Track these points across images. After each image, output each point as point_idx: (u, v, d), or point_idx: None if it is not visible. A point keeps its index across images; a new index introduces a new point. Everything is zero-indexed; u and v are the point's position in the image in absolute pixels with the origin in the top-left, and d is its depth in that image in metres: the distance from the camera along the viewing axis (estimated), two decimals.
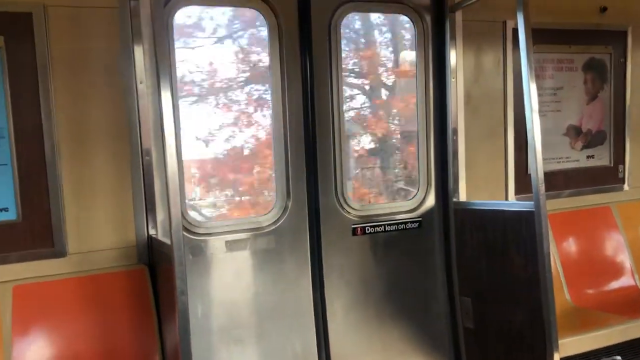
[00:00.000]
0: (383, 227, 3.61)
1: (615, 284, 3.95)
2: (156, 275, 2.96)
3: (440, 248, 3.78)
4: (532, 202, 3.01)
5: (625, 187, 4.30)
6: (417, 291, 3.74)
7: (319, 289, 3.47)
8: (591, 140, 4.20)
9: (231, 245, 3.25)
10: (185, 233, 3.09)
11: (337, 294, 3.52)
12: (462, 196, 3.72)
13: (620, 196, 4.27)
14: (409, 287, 3.71)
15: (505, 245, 3.30)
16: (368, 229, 3.58)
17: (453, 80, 3.64)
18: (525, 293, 3.18)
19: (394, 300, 3.67)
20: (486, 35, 3.76)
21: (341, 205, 3.51)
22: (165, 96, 2.31)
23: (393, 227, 3.64)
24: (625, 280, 3.98)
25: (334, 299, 3.51)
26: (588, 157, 4.19)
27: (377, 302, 3.63)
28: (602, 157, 4.24)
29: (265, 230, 3.34)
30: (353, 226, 3.54)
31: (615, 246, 4.05)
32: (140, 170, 2.98)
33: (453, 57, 3.63)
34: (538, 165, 2.96)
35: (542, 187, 2.96)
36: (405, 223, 3.68)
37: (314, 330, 3.47)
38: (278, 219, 3.37)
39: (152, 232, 3.03)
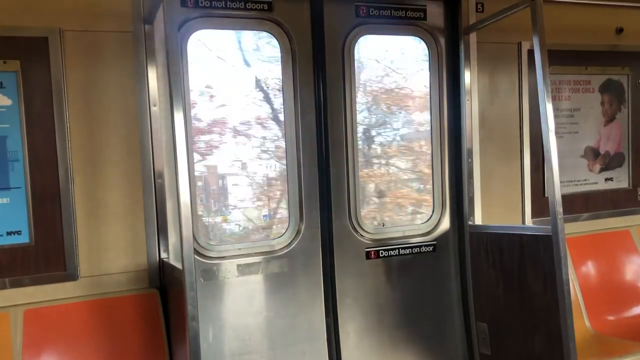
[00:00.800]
0: (397, 250, 3.56)
1: (636, 310, 3.84)
2: (167, 299, 2.94)
3: (455, 272, 3.71)
4: (550, 226, 2.95)
5: None
6: (431, 316, 3.67)
7: (332, 313, 3.42)
8: (609, 162, 4.12)
9: (243, 269, 3.22)
10: (196, 257, 3.07)
11: (351, 318, 3.47)
12: (478, 219, 3.66)
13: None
14: (424, 312, 3.64)
15: (522, 269, 3.23)
16: (382, 253, 3.53)
17: (468, 101, 3.61)
18: (543, 319, 3.10)
19: (408, 325, 3.60)
20: (501, 56, 3.74)
21: (355, 229, 3.47)
22: (178, 119, 2.31)
23: (407, 251, 3.59)
24: None
25: (347, 323, 3.45)
26: (606, 179, 4.11)
27: (391, 327, 3.57)
28: (620, 180, 4.16)
29: (278, 254, 3.30)
30: (367, 250, 3.50)
31: (636, 270, 3.95)
32: (153, 193, 2.97)
33: (467, 78, 3.60)
34: (556, 187, 2.91)
35: (560, 210, 2.90)
36: (420, 247, 3.62)
37: (327, 355, 3.41)
38: (291, 242, 3.33)
39: (163, 255, 3.01)
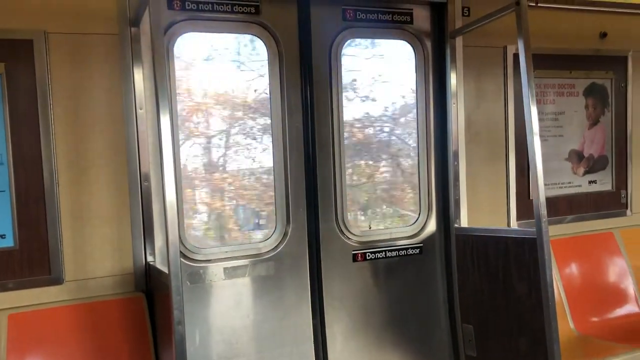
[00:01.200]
0: (384, 252, 3.58)
1: (619, 312, 3.89)
2: (153, 303, 2.93)
3: (441, 274, 3.74)
4: (534, 229, 2.98)
5: (628, 212, 4.27)
6: (418, 318, 3.69)
7: (318, 315, 3.43)
8: (593, 165, 4.17)
9: (230, 272, 3.22)
10: (183, 259, 3.06)
11: (337, 320, 3.48)
12: (464, 221, 3.69)
13: (623, 222, 4.23)
14: (410, 314, 3.66)
15: (507, 271, 3.26)
16: (369, 255, 3.54)
17: (454, 105, 3.63)
18: (528, 321, 3.13)
19: (395, 327, 3.62)
20: (487, 60, 3.77)
21: (341, 231, 3.48)
22: (164, 122, 2.31)
23: (394, 253, 3.61)
24: (629, 308, 3.92)
25: (334, 325, 3.46)
26: (590, 182, 4.16)
27: (377, 329, 3.58)
28: (604, 183, 4.21)
29: (265, 257, 3.30)
30: (353, 252, 3.51)
31: (619, 272, 4.00)
32: (139, 196, 2.96)
33: (454, 82, 3.63)
34: (540, 190, 2.94)
35: (544, 213, 2.93)
36: (407, 249, 3.64)
37: (314, 357, 3.42)
38: (278, 244, 3.34)
39: (150, 258, 3.00)
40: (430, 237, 3.71)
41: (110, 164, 2.91)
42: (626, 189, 4.27)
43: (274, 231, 3.36)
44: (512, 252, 3.22)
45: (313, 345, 3.41)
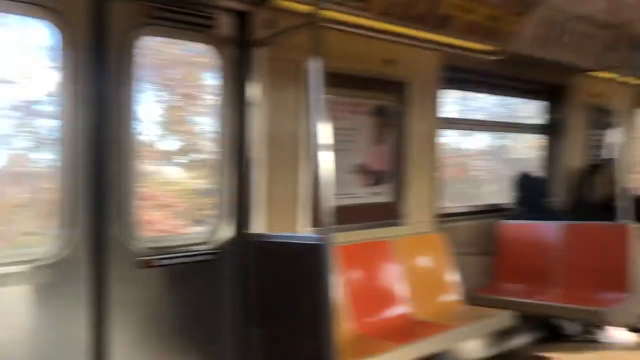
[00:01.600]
0: (175, 259, 3.49)
1: (393, 312, 4.29)
2: None
3: (235, 280, 3.76)
4: (320, 235, 3.16)
5: (404, 223, 4.75)
6: (210, 324, 3.66)
7: (98, 327, 3.20)
8: (377, 179, 4.57)
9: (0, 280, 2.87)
10: None
11: (123, 332, 3.29)
12: (260, 228, 3.76)
13: (401, 231, 4.69)
14: (202, 320, 3.62)
15: (296, 276, 3.40)
16: (158, 262, 3.43)
17: (253, 113, 3.70)
18: (312, 324, 3.29)
19: (186, 334, 3.55)
20: (287, 72, 3.91)
21: (127, 237, 3.31)
22: None
23: (187, 259, 3.54)
24: (401, 309, 4.35)
25: (118, 337, 3.27)
26: (373, 194, 4.55)
27: (167, 337, 3.47)
28: (385, 195, 4.64)
29: (43, 263, 3.00)
30: (140, 258, 3.36)
31: (394, 278, 4.42)
32: None
33: (254, 91, 3.70)
34: (328, 200, 3.13)
35: (330, 221, 3.14)
36: (200, 254, 3.60)
37: None
38: (59, 250, 3.06)
39: None
40: (225, 243, 3.72)
41: None
42: (404, 202, 4.75)
43: (54, 235, 3.08)
44: (300, 257, 3.36)
45: (93, 357, 3.18)
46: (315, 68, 3.11)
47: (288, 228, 3.95)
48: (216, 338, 3.68)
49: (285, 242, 3.50)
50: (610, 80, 5.54)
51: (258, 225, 3.77)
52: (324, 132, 3.10)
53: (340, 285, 3.86)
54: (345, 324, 3.88)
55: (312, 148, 3.97)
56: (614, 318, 4.70)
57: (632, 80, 6.01)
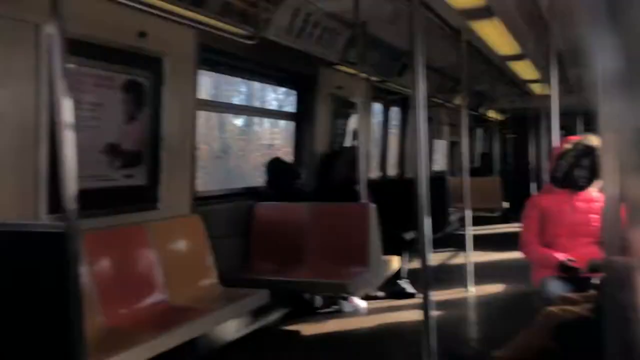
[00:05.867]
0: None
1: (148, 301, 4.06)
2: None
3: None
4: (64, 223, 2.81)
5: (159, 206, 4.52)
6: None
7: None
8: (130, 160, 4.26)
9: None
10: None
11: None
12: None
13: (154, 215, 4.45)
14: None
15: (35, 268, 2.97)
16: None
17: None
18: (54, 318, 2.92)
19: None
20: (18, 35, 3.37)
21: None
22: None
23: None
24: (157, 297, 4.14)
25: None
26: (126, 176, 4.23)
27: None
28: (139, 177, 4.35)
29: None
30: None
31: (149, 264, 4.18)
32: None
33: None
34: (71, 182, 2.79)
35: (74, 207, 2.80)
36: None
37: None
38: None
39: None
40: None
41: None
42: (158, 184, 4.51)
43: None
44: (40, 247, 2.95)
45: None
46: (55, 32, 2.71)
47: (25, 215, 3.44)
48: None
49: (19, 231, 3.02)
50: (352, 74, 6.06)
51: None
52: (66, 107, 2.73)
53: (86, 276, 3.49)
54: (94, 317, 3.53)
55: (54, 124, 3.53)
56: (355, 289, 5.18)
57: (369, 76, 6.69)
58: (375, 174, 9.14)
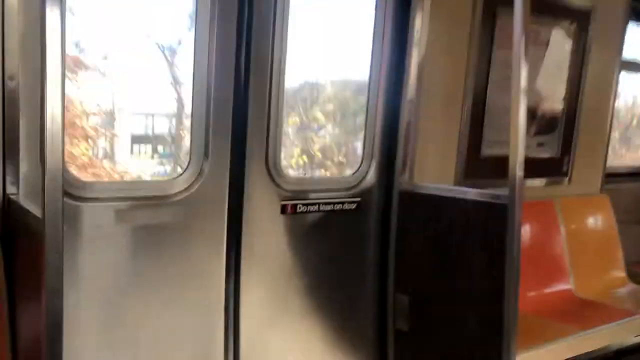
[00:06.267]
0: (317, 206, 2.95)
1: (554, 287, 3.62)
2: (14, 250, 2.07)
3: (377, 235, 3.20)
4: (505, 192, 2.53)
5: (569, 181, 3.97)
6: (345, 284, 3.14)
7: (233, 276, 2.75)
8: (544, 126, 3.79)
9: (123, 216, 2.41)
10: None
11: (255, 283, 2.82)
12: (412, 176, 3.15)
13: (563, 190, 3.93)
14: (337, 279, 3.10)
15: (461, 239, 2.80)
16: (300, 207, 2.89)
17: (414, 46, 3.04)
18: (481, 297, 2.71)
19: (320, 293, 3.04)
20: (454, 2, 3.19)
21: (272, 175, 2.78)
22: None
23: (328, 207, 2.99)
24: (562, 284, 3.67)
25: (250, 289, 2.79)
26: (538, 144, 3.79)
27: (300, 294, 2.98)
28: (551, 146, 3.86)
29: (172, 200, 2.53)
30: (283, 203, 2.84)
31: (557, 244, 3.72)
32: None
33: (418, 22, 3.02)
34: (519, 149, 2.48)
35: (521, 175, 2.49)
36: (343, 203, 3.04)
37: (222, 325, 2.75)
38: (190, 185, 2.57)
39: (11, 190, 2.12)
40: (369, 191, 3.13)
41: None
42: (569, 155, 3.95)
43: (186, 167, 2.58)
44: (471, 217, 2.76)
45: (223, 312, 2.74)
46: None
47: (439, 177, 3.31)
48: (355, 301, 3.17)
49: (450, 197, 2.87)
50: None
51: (408, 173, 3.15)
52: (522, 72, 2.43)
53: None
54: None
55: (477, 88, 3.30)
56: None
57: None
58: None
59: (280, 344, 2.94)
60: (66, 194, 2.17)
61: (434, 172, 3.27)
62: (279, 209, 2.83)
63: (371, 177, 3.12)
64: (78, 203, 2.27)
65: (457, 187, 3.06)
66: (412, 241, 3.06)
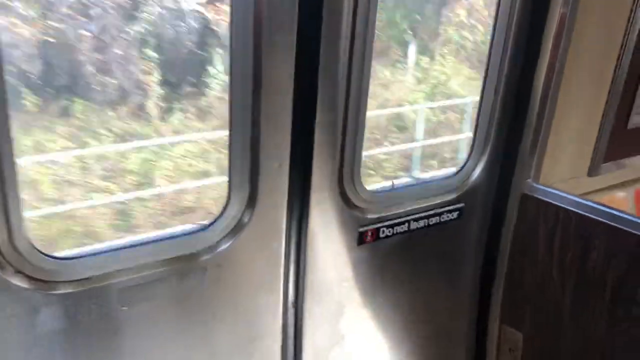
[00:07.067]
0: (407, 224, 2.05)
1: None
2: None
3: (480, 250, 2.33)
4: None
5: None
6: (441, 314, 2.34)
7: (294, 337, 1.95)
8: None
9: (131, 296, 1.55)
10: (23, 284, 1.37)
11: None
12: (538, 176, 2.20)
13: None
14: (431, 311, 2.29)
15: (615, 273, 1.94)
16: (384, 231, 2.00)
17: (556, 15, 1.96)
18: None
19: (409, 329, 2.26)
20: None
21: (346, 198, 1.86)
22: None
23: (421, 223, 2.09)
24: None
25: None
26: None
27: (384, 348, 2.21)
28: None
29: (203, 258, 1.65)
30: (361, 230, 1.94)
31: None
32: None
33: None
34: None
35: None
36: (440, 214, 2.13)
37: None
38: (229, 234, 1.67)
39: None
40: (475, 195, 2.21)
41: None
42: None
43: (227, 206, 1.67)
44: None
45: None
46: None
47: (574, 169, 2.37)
48: (450, 334, 2.38)
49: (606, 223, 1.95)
50: None
51: (535, 172, 2.19)
52: None
53: None
54: None
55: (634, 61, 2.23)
56: None
57: None
58: None
59: None
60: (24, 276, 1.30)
61: (568, 167, 2.32)
62: (355, 240, 1.94)
63: (480, 175, 2.18)
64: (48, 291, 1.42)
65: (624, 214, 2.07)
66: (534, 262, 2.20)
